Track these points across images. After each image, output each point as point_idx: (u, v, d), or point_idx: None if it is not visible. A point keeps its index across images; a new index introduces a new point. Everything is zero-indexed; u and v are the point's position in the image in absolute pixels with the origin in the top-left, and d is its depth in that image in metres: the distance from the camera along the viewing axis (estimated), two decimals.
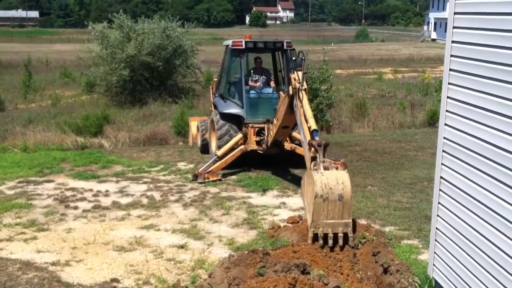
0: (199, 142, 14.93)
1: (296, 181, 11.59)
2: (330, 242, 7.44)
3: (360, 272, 7.07)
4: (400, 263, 6.75)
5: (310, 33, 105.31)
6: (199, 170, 12.04)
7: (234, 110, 12.71)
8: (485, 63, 4.86)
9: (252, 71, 13.34)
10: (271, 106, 12.27)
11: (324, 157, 8.17)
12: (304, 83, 9.96)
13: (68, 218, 9.54)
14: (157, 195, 10.91)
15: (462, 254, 5.33)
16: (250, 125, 12.49)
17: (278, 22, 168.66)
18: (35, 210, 9.93)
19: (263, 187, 11.36)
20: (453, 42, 5.49)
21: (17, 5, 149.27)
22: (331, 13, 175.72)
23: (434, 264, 6.03)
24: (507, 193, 4.54)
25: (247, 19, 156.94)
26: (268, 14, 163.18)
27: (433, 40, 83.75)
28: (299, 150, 12.30)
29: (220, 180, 11.91)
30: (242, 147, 12.41)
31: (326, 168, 7.86)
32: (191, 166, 13.32)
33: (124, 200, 10.56)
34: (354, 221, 8.11)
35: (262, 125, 12.37)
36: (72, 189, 11.33)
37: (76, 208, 10.08)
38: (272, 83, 13.26)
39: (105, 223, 9.30)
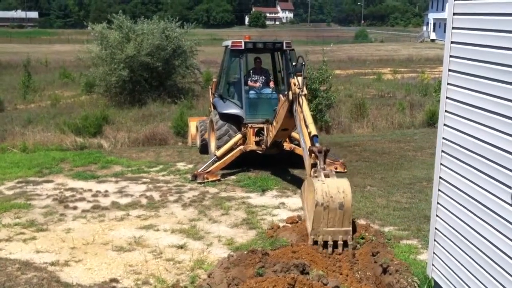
0: (198, 142, 14.93)
1: (296, 182, 11.60)
2: (330, 249, 7.47)
3: (359, 272, 7.08)
4: (399, 263, 6.76)
5: (309, 34, 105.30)
6: (198, 170, 12.04)
7: (234, 110, 12.71)
8: (484, 64, 4.87)
9: (251, 71, 13.35)
10: (270, 106, 12.28)
11: (324, 163, 8.17)
12: (304, 88, 9.97)
13: (67, 218, 9.53)
14: (156, 195, 10.90)
15: (461, 254, 5.33)
16: (249, 125, 12.49)
17: (277, 22, 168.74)
18: (34, 210, 9.92)
19: (262, 187, 11.36)
20: (452, 42, 5.50)
21: (17, 5, 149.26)
22: (331, 13, 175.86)
23: (433, 264, 6.03)
24: (506, 193, 4.54)
25: (247, 19, 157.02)
26: (268, 14, 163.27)
27: (432, 40, 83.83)
28: (298, 151, 12.30)
29: (219, 180, 11.91)
30: (241, 147, 12.41)
31: (327, 176, 7.83)
32: (191, 166, 13.32)
33: (123, 200, 10.56)
34: (353, 222, 8.12)
35: (261, 126, 12.37)
36: (71, 189, 11.33)
37: (75, 208, 10.08)
38: (272, 84, 13.27)
39: (104, 223, 9.30)
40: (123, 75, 23.58)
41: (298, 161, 12.28)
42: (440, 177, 5.77)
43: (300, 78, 9.96)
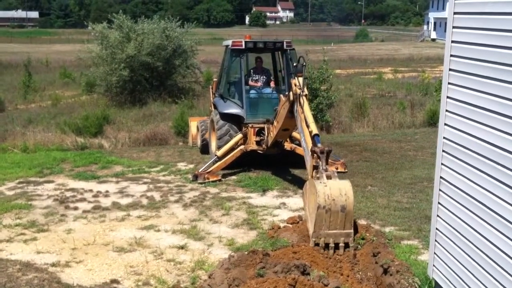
0: (199, 142, 14.93)
1: (296, 182, 11.59)
2: (331, 252, 7.46)
3: (360, 273, 7.06)
4: (400, 263, 6.75)
5: (309, 33, 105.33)
6: (199, 171, 12.04)
7: (234, 110, 12.71)
8: (485, 63, 4.86)
9: (252, 70, 13.34)
10: (271, 106, 12.27)
11: (326, 164, 8.14)
12: (305, 89, 9.97)
13: (68, 218, 9.53)
14: (157, 195, 10.90)
15: (462, 254, 5.32)
16: (250, 125, 12.48)
17: (277, 22, 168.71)
18: (35, 211, 9.92)
19: (263, 187, 11.36)
20: (452, 42, 5.49)
21: (17, 5, 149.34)
22: (331, 13, 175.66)
23: (434, 265, 6.02)
24: (507, 193, 4.54)
25: (247, 19, 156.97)
26: (268, 14, 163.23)
27: (433, 40, 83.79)
28: (299, 150, 12.29)
29: (220, 180, 11.91)
30: (242, 147, 12.40)
31: (329, 177, 7.79)
32: (191, 166, 13.31)
33: (124, 201, 10.56)
34: (354, 222, 8.10)
35: (262, 125, 12.36)
36: (72, 189, 11.33)
37: (76, 208, 10.07)
38: (272, 83, 13.26)
39: (105, 223, 9.29)
40: (124, 75, 23.58)
41: (298, 161, 12.27)
42: (441, 177, 5.76)
43: (301, 79, 9.96)
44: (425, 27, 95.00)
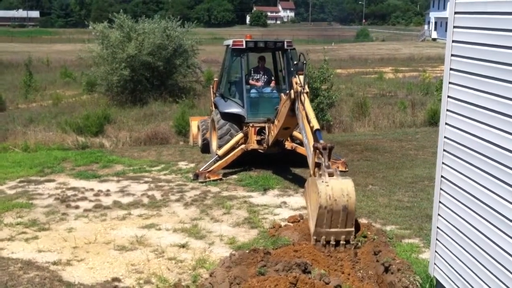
0: (199, 141, 14.93)
1: (297, 181, 11.60)
2: (332, 249, 7.49)
3: (361, 271, 7.07)
4: (401, 262, 6.76)
5: (310, 33, 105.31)
6: (200, 170, 12.05)
7: (235, 109, 12.72)
8: (486, 63, 4.86)
9: (254, 69, 13.34)
10: (271, 105, 12.28)
11: (329, 160, 8.12)
12: (306, 86, 9.99)
13: (69, 217, 9.55)
14: (158, 194, 10.92)
15: (463, 253, 5.33)
16: (251, 124, 12.49)
17: (278, 22, 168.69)
18: (36, 210, 9.94)
19: (264, 186, 11.37)
20: (453, 41, 5.49)
21: (18, 5, 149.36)
22: (332, 12, 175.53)
23: (435, 263, 6.03)
24: (507, 191, 4.54)
25: (248, 19, 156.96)
26: (269, 14, 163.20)
27: (434, 39, 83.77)
28: (300, 150, 12.31)
29: (221, 179, 11.92)
30: (242, 146, 12.41)
31: (331, 175, 7.78)
32: (192, 165, 13.33)
33: (125, 200, 10.57)
34: (356, 221, 8.12)
35: (262, 125, 12.37)
36: (73, 188, 11.34)
37: (77, 207, 10.09)
38: (273, 83, 13.26)
39: (106, 222, 9.31)
40: (125, 74, 23.59)
41: (299, 160, 12.30)
42: (442, 176, 5.77)
43: (301, 77, 9.98)
44: (426, 26, 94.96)
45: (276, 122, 11.46)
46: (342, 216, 7.51)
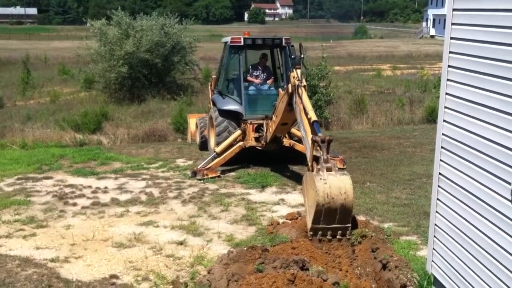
0: (198, 139, 14.92)
1: (295, 178, 11.60)
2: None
3: (359, 268, 7.09)
4: (399, 259, 6.77)
5: (308, 30, 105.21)
6: (198, 167, 12.05)
7: (233, 106, 12.71)
8: (484, 60, 4.86)
9: (254, 66, 13.31)
10: (269, 102, 12.28)
11: (327, 154, 8.11)
12: (303, 80, 10.00)
13: (67, 214, 9.54)
14: (156, 191, 10.91)
15: (460, 250, 5.34)
16: (249, 121, 12.49)
17: (276, 19, 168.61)
18: (34, 207, 9.93)
19: (262, 183, 11.37)
20: (451, 38, 5.49)
21: (16, 2, 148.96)
22: (330, 9, 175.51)
23: (432, 260, 6.04)
24: (505, 189, 4.55)
25: (246, 16, 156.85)
26: (267, 11, 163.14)
27: (432, 36, 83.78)
28: (298, 147, 12.32)
29: (219, 176, 11.91)
30: (241, 143, 12.41)
31: (329, 170, 7.79)
32: (190, 162, 13.32)
33: (123, 197, 10.57)
34: (353, 218, 8.13)
35: (261, 122, 12.37)
36: (71, 185, 11.33)
37: (75, 204, 10.08)
38: (270, 81, 13.23)
39: (104, 219, 9.30)
40: (122, 71, 23.56)
41: (297, 157, 12.30)
42: (440, 173, 5.77)
43: (299, 71, 9.98)
44: (424, 24, 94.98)
45: (274, 118, 11.45)
46: (339, 214, 7.56)
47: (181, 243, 8.19)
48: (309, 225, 7.74)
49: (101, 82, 24.75)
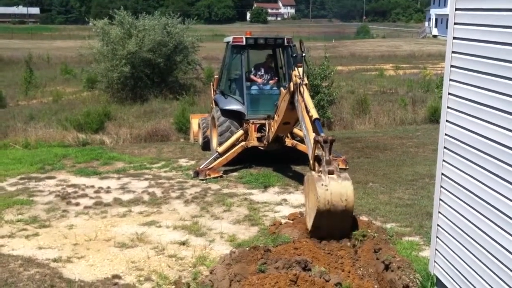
0: (200, 139, 14.92)
1: (298, 178, 11.59)
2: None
3: (361, 269, 7.08)
4: (401, 259, 6.76)
5: (311, 30, 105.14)
6: (200, 167, 12.05)
7: (235, 106, 12.71)
8: (487, 60, 4.85)
9: (258, 66, 13.29)
10: (271, 102, 12.28)
11: (330, 154, 8.11)
12: (305, 78, 9.99)
13: (69, 214, 9.55)
14: (158, 191, 10.91)
15: (463, 251, 5.33)
16: (251, 121, 12.49)
17: (279, 18, 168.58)
18: (36, 207, 9.94)
19: (264, 183, 11.37)
20: (454, 38, 5.48)
21: (18, 1, 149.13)
22: (332, 9, 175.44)
23: (435, 261, 6.03)
24: (508, 189, 4.54)
25: (248, 15, 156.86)
26: (269, 10, 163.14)
27: (434, 36, 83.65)
28: (300, 147, 12.31)
29: (221, 176, 11.91)
30: (243, 143, 12.41)
31: (331, 173, 7.81)
32: (193, 162, 13.32)
33: (126, 197, 10.58)
34: (355, 219, 8.14)
35: (263, 121, 12.37)
36: (74, 185, 11.35)
37: (77, 204, 10.09)
38: (273, 82, 13.22)
39: (107, 219, 9.31)
40: (125, 71, 23.55)
41: (300, 157, 12.30)
42: (443, 174, 5.76)
43: (300, 69, 9.98)
44: (426, 23, 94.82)
45: (276, 117, 11.45)
46: (339, 218, 7.71)
47: (183, 243, 8.20)
48: (309, 226, 7.88)
49: (103, 81, 24.75)
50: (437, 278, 6.05)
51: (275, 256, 6.99)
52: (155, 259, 7.65)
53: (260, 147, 12.52)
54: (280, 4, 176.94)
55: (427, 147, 14.79)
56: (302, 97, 9.71)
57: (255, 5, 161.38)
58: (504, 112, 4.58)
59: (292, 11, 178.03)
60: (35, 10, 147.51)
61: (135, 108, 22.07)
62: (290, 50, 12.57)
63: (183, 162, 13.47)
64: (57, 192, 10.87)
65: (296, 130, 12.34)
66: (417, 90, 25.06)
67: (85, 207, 9.92)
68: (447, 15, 5.78)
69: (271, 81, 13.16)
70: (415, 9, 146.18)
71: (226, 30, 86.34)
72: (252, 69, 13.37)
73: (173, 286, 6.80)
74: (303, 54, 10.06)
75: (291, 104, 10.33)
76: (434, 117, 18.56)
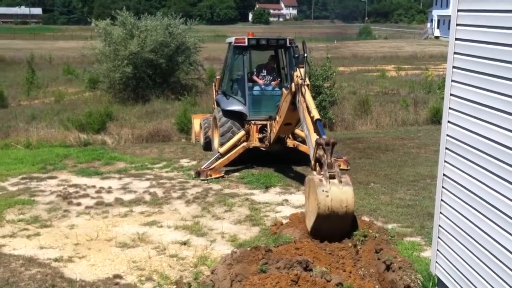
0: (202, 139, 14.93)
1: (299, 178, 11.59)
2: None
3: (363, 269, 7.07)
4: (402, 260, 6.76)
5: (313, 31, 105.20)
6: (202, 167, 12.05)
7: (237, 107, 12.71)
8: (489, 61, 4.85)
9: (261, 67, 13.29)
10: (273, 103, 12.29)
11: (331, 156, 8.11)
12: (307, 79, 9.99)
13: (71, 214, 9.56)
14: (159, 191, 10.92)
15: (464, 251, 5.32)
16: (253, 122, 12.49)
17: (281, 19, 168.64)
18: (38, 207, 9.95)
19: (265, 184, 11.37)
20: (456, 39, 5.48)
21: (20, 2, 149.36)
22: (334, 10, 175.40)
23: (436, 262, 6.02)
24: (509, 190, 4.53)
25: (250, 16, 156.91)
26: (271, 11, 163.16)
27: (436, 37, 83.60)
28: (302, 148, 12.30)
29: (222, 177, 11.92)
30: (244, 144, 12.41)
31: (332, 177, 7.81)
32: (194, 163, 13.33)
33: (127, 197, 10.58)
34: (355, 219, 8.14)
35: (264, 122, 12.37)
36: (75, 185, 11.35)
37: (79, 204, 10.10)
38: (275, 83, 13.22)
39: (108, 219, 9.32)
40: (127, 71, 23.60)
41: (301, 158, 12.30)
42: (444, 174, 5.76)
43: (302, 70, 9.98)
44: (428, 24, 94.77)
45: (277, 118, 11.45)
46: (339, 221, 7.76)
47: (184, 243, 8.20)
48: (309, 227, 7.96)
49: (105, 82, 24.80)
50: (438, 278, 6.05)
51: (276, 256, 6.98)
52: (156, 259, 7.65)
53: (261, 148, 12.52)
54: (282, 5, 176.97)
55: (428, 148, 14.78)
56: (304, 97, 9.71)
57: (257, 6, 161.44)
58: (506, 113, 4.58)
59: (294, 12, 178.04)
60: (37, 11, 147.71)
61: (137, 108, 22.10)
62: (292, 51, 12.57)
63: (184, 162, 13.47)
64: (58, 192, 10.88)
65: (297, 131, 12.34)
66: (419, 91, 25.06)
67: (87, 207, 9.93)
68: (449, 16, 5.79)
69: (273, 82, 13.16)
70: (417, 10, 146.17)
71: (228, 31, 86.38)
72: (255, 70, 13.37)
73: (174, 286, 6.80)
74: (305, 55, 10.06)
75: (293, 105, 10.33)
76: (436, 118, 18.56)
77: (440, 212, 5.86)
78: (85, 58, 29.53)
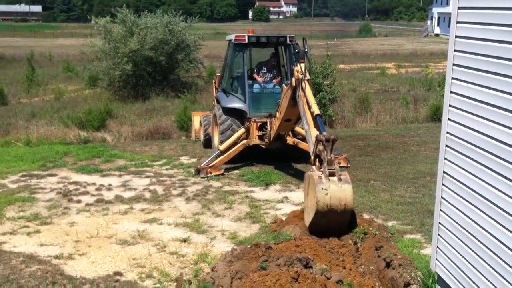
0: (202, 137, 14.93)
1: (299, 176, 11.59)
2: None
3: (363, 267, 7.08)
4: (402, 257, 6.76)
5: (313, 28, 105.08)
6: (202, 165, 12.05)
7: (237, 104, 12.71)
8: (489, 58, 4.85)
9: (261, 64, 13.28)
10: (273, 100, 12.29)
11: (331, 153, 8.11)
12: (307, 74, 9.98)
13: (71, 211, 9.57)
14: (159, 189, 10.93)
15: (464, 248, 5.33)
16: (253, 119, 12.49)
17: (281, 17, 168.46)
18: (38, 204, 9.96)
19: (265, 181, 11.37)
20: (456, 37, 5.47)
21: None
22: (334, 8, 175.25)
23: (436, 259, 6.02)
24: (509, 187, 4.54)
25: (250, 13, 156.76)
26: (271, 9, 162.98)
27: (437, 35, 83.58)
28: (301, 145, 12.31)
29: (222, 174, 11.92)
30: (244, 141, 12.42)
31: (332, 175, 7.82)
32: (194, 160, 13.33)
33: (127, 194, 10.59)
34: (354, 217, 8.15)
35: (264, 120, 12.37)
36: (75, 183, 11.36)
37: (79, 202, 10.11)
38: (276, 81, 13.21)
39: (108, 216, 9.32)
40: (127, 69, 23.57)
41: (301, 155, 12.30)
42: (444, 172, 5.76)
43: (303, 65, 9.98)
44: (428, 22, 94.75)
45: (277, 114, 11.45)
46: (338, 219, 7.79)
47: (184, 241, 8.21)
48: (307, 223, 8.00)
49: (105, 79, 24.77)
50: (438, 275, 6.05)
51: (277, 253, 6.99)
52: (156, 256, 7.66)
53: (261, 145, 12.53)
54: (282, 3, 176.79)
55: (428, 145, 14.79)
56: (304, 92, 9.71)
57: (257, 4, 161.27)
58: (506, 110, 4.58)
59: (294, 9, 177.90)
60: (38, 8, 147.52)
61: (137, 106, 22.09)
62: (293, 48, 12.57)
63: (184, 159, 13.48)
64: (58, 189, 10.89)
65: (297, 128, 12.34)
66: (419, 89, 25.05)
67: (87, 204, 9.94)
68: (450, 13, 5.78)
69: (274, 80, 13.15)
70: (417, 8, 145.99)
71: (228, 29, 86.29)
72: (255, 67, 13.37)
73: (175, 283, 6.81)
74: (306, 50, 10.06)
75: (293, 100, 10.32)
76: (436, 116, 18.56)
77: (440, 210, 5.86)
78: (85, 56, 29.49)
